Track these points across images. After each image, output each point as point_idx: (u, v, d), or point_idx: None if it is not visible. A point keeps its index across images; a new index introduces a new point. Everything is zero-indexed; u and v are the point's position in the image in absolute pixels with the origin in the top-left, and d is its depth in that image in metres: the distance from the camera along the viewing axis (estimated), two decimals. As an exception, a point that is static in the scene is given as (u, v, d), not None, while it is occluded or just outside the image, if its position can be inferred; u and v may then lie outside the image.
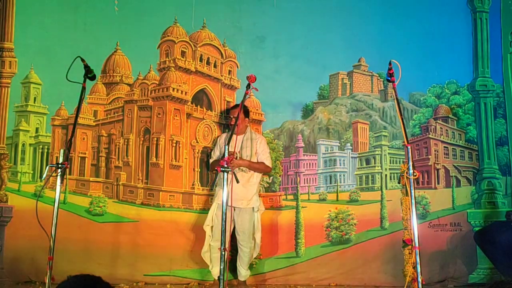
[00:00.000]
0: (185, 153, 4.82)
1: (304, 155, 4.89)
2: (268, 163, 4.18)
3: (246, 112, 4.26)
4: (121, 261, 4.49)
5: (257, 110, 4.92)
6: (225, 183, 3.17)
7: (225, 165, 3.15)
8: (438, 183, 4.81)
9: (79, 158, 4.81)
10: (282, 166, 4.87)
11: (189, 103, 4.88)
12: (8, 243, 4.47)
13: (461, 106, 4.94)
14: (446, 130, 4.92)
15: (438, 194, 4.77)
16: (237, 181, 3.30)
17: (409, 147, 2.95)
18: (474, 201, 4.73)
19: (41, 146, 4.80)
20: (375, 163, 4.86)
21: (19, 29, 4.86)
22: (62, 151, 3.01)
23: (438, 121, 4.93)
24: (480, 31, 4.92)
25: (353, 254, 4.60)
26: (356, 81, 5.06)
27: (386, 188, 4.79)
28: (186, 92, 4.87)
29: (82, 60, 3.18)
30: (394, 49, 4.78)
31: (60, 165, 2.92)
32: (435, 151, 4.87)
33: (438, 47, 4.88)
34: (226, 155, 3.22)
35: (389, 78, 3.16)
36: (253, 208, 4.07)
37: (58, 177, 2.92)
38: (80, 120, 4.75)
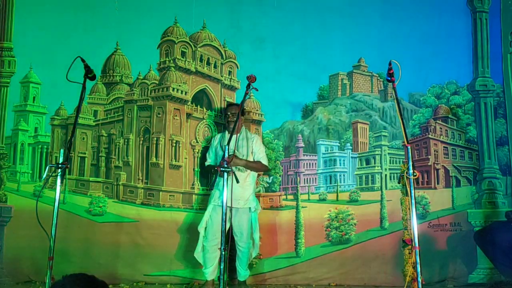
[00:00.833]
0: (185, 153, 4.82)
1: (304, 155, 4.89)
2: (265, 161, 4.17)
3: (242, 111, 4.29)
4: (121, 261, 4.49)
5: (257, 110, 4.92)
6: (225, 183, 3.17)
7: (226, 165, 3.15)
8: (438, 183, 4.81)
9: (79, 158, 4.80)
10: (282, 166, 4.87)
11: (189, 103, 4.88)
12: (7, 243, 4.47)
13: (461, 106, 4.94)
14: (446, 130, 4.93)
15: (438, 194, 4.77)
16: (237, 181, 3.29)
17: (409, 147, 2.95)
18: (474, 201, 4.73)
19: (40, 146, 4.80)
20: (375, 163, 4.87)
21: (18, 28, 4.86)
22: (62, 151, 3.01)
23: (438, 121, 4.93)
24: (480, 31, 4.92)
25: (353, 254, 4.60)
26: (356, 81, 5.06)
27: (386, 188, 4.79)
28: (186, 92, 4.87)
29: (82, 60, 3.18)
30: (394, 49, 4.78)
31: (60, 165, 2.91)
32: (435, 151, 4.87)
33: (438, 47, 4.89)
34: (226, 155, 3.22)
35: (389, 78, 3.16)
36: (250, 208, 4.06)
37: (58, 177, 2.92)
38: (80, 120, 4.75)
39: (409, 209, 2.99)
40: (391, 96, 4.97)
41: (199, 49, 4.98)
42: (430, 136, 4.88)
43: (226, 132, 4.22)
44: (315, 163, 4.89)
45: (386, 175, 4.84)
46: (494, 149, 4.78)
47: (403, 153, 4.83)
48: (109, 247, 4.51)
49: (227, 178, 3.19)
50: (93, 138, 4.87)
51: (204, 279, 4.11)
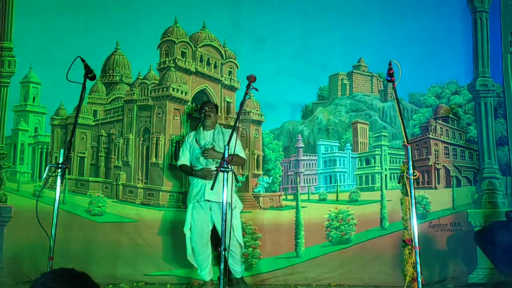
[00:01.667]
0: (185, 153, 4.81)
1: (304, 155, 4.89)
2: (242, 154, 4.22)
3: (217, 109, 4.46)
4: (121, 261, 4.49)
5: (257, 110, 4.92)
6: (225, 183, 3.16)
7: (226, 165, 3.15)
8: (438, 183, 4.81)
9: (79, 158, 4.80)
10: (282, 166, 4.87)
11: (189, 103, 4.87)
12: (7, 243, 4.47)
13: (461, 106, 4.94)
14: (446, 130, 4.92)
15: (438, 194, 4.77)
16: (237, 181, 3.29)
17: (409, 147, 2.95)
18: (474, 201, 4.73)
19: (40, 146, 4.80)
20: (375, 163, 4.86)
21: (18, 28, 4.86)
22: (61, 151, 3.01)
23: (438, 121, 4.93)
24: (480, 31, 4.92)
25: (353, 254, 4.60)
26: (355, 81, 5.06)
27: (386, 188, 4.79)
28: (186, 92, 4.87)
29: (82, 60, 3.18)
30: (394, 49, 4.77)
31: (60, 165, 2.91)
32: (435, 151, 4.87)
33: (438, 47, 4.88)
34: (226, 155, 3.21)
35: (389, 78, 3.16)
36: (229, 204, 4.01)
37: (58, 177, 2.92)
38: (79, 120, 4.74)
39: (409, 209, 2.99)
40: (391, 96, 4.96)
41: (199, 49, 4.98)
42: (430, 136, 4.88)
43: (201, 129, 4.25)
44: (315, 163, 4.89)
45: (386, 175, 4.83)
46: (494, 149, 4.78)
47: (403, 153, 4.83)
48: (109, 247, 4.51)
49: (227, 178, 3.19)
50: (92, 138, 4.87)
51: (203, 280, 4.11)
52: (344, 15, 5.02)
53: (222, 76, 5.03)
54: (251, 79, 3.39)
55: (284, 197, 4.80)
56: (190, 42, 4.96)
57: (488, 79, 4.87)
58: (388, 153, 4.88)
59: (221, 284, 3.06)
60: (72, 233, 4.45)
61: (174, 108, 4.82)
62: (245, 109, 4.87)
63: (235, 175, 3.31)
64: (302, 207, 4.71)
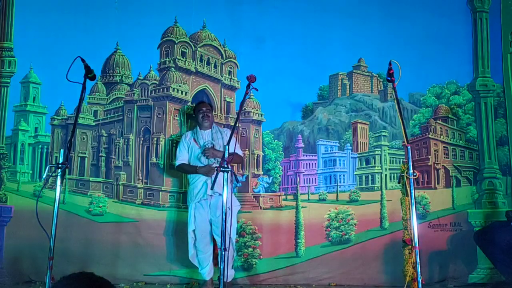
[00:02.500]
0: (185, 153, 4.81)
1: (303, 155, 4.89)
2: (240, 153, 4.25)
3: (212, 108, 4.50)
4: (121, 261, 4.49)
5: (257, 110, 4.92)
6: (225, 183, 3.16)
7: (226, 165, 3.15)
8: (438, 183, 4.81)
9: (79, 158, 4.80)
10: (282, 166, 4.87)
11: (189, 103, 4.88)
12: (8, 243, 4.46)
13: (461, 106, 4.94)
14: (446, 130, 4.93)
15: (438, 194, 4.78)
16: (237, 181, 3.29)
17: (409, 147, 2.95)
18: (475, 201, 4.73)
19: (40, 146, 4.80)
20: (375, 163, 4.86)
21: (18, 28, 4.86)
22: (62, 151, 3.01)
23: (438, 121, 4.93)
24: (480, 31, 4.92)
25: (353, 254, 4.60)
26: (355, 81, 5.06)
27: (386, 188, 4.79)
28: (186, 93, 4.87)
29: (82, 60, 3.18)
30: (394, 49, 4.78)
31: (60, 165, 2.91)
32: (435, 151, 4.87)
33: (438, 47, 4.89)
34: (226, 155, 3.21)
35: (389, 78, 3.16)
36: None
37: (58, 177, 2.92)
38: (80, 120, 4.75)
39: (409, 209, 2.99)
40: (391, 96, 4.96)
41: (199, 49, 4.98)
42: (430, 136, 4.88)
43: (198, 128, 4.25)
44: (315, 163, 4.89)
45: (386, 175, 4.84)
46: (494, 149, 4.78)
47: (403, 153, 4.83)
48: (109, 247, 4.51)
49: (227, 178, 3.19)
50: (93, 138, 4.87)
51: (203, 279, 4.11)
52: (344, 15, 5.01)
53: (222, 76, 5.04)
54: (251, 79, 3.39)
55: (284, 197, 4.80)
56: (190, 42, 4.96)
57: (488, 79, 4.88)
58: (388, 153, 4.88)
59: (221, 284, 3.06)
60: (72, 233, 4.46)
61: (174, 108, 4.82)
62: (245, 109, 4.87)
63: (235, 175, 3.31)
64: (302, 207, 4.72)
